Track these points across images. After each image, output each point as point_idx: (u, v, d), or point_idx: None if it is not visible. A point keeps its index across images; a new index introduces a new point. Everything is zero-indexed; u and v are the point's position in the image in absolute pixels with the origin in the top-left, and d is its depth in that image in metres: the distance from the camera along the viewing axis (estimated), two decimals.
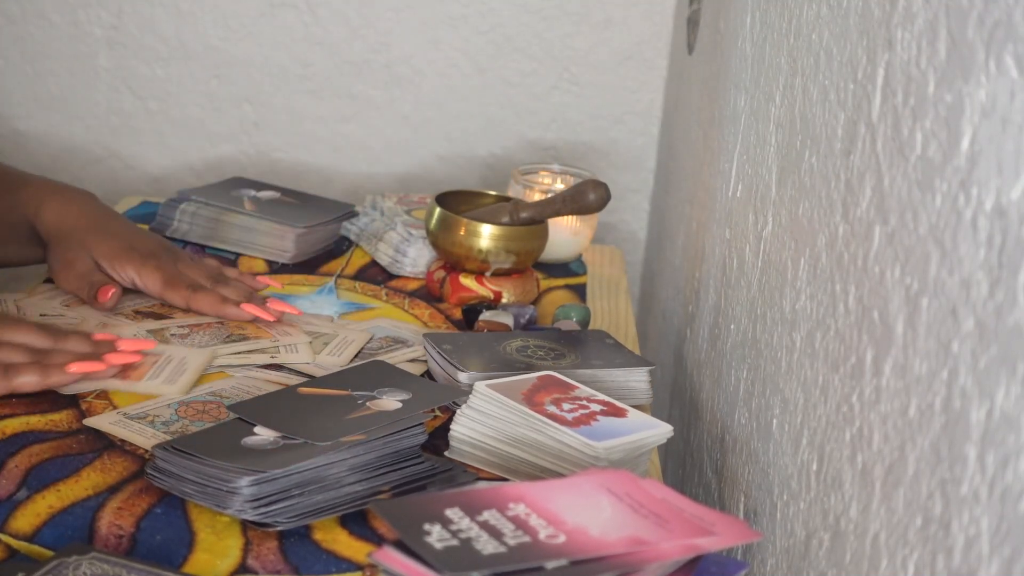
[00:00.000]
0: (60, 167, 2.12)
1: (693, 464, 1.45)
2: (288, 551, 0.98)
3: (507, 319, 1.39)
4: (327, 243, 1.65)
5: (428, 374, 1.29)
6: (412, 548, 0.83)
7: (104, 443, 1.11)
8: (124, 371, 1.23)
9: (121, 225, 1.44)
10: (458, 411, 1.13)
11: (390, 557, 0.83)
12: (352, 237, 1.67)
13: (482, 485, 1.02)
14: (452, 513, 0.87)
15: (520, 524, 0.87)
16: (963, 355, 0.66)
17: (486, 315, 1.40)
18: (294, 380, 1.24)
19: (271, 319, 1.37)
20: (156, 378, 1.22)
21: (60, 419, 1.15)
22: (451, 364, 1.24)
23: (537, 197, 1.65)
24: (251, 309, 1.36)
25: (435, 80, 2.09)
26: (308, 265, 1.59)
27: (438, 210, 1.51)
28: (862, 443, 0.82)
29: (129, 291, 1.40)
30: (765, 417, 1.09)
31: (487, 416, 1.11)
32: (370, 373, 1.16)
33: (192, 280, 1.39)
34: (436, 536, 0.84)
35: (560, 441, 1.07)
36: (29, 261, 1.46)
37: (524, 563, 0.83)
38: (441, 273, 1.53)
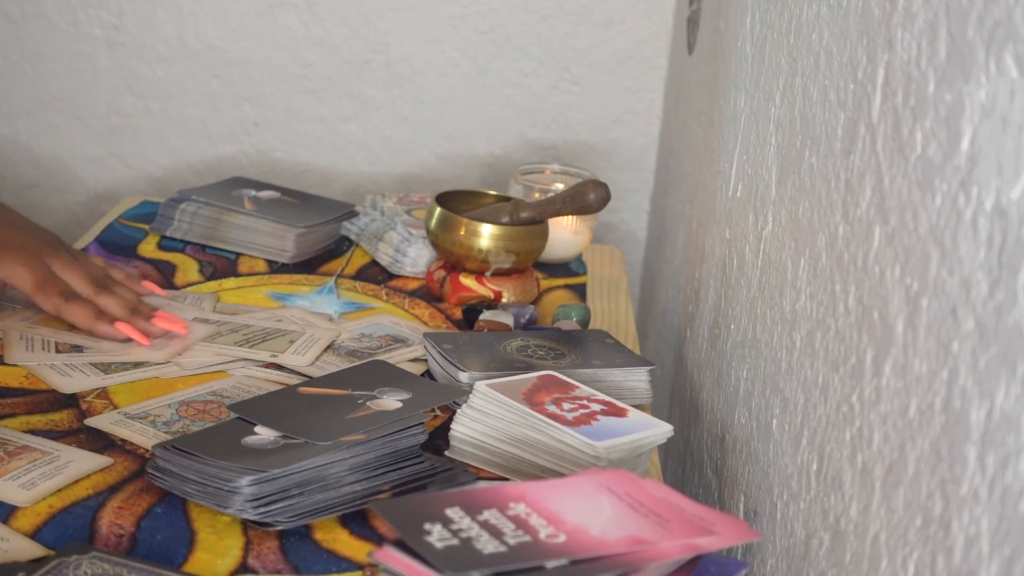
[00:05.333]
0: (60, 167, 2.12)
1: (693, 464, 1.45)
2: (288, 551, 0.98)
3: (507, 319, 1.39)
4: (327, 243, 1.65)
5: (428, 374, 1.29)
6: (412, 547, 0.83)
7: (105, 443, 1.11)
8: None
9: None
10: (458, 411, 1.13)
11: (390, 556, 0.83)
12: (352, 237, 1.67)
13: (482, 485, 1.02)
14: (452, 512, 0.87)
15: (520, 524, 0.87)
16: (963, 355, 0.66)
17: (486, 315, 1.40)
18: (294, 380, 1.24)
19: (145, 343, 1.27)
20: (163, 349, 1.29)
21: (60, 419, 1.15)
22: (451, 364, 1.24)
23: (537, 197, 1.65)
24: (125, 329, 1.27)
25: (435, 80, 2.09)
26: (308, 265, 1.59)
27: (438, 210, 1.51)
28: (862, 443, 0.82)
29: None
30: (765, 417, 1.09)
31: (487, 416, 1.11)
32: (370, 373, 1.16)
33: (66, 286, 1.28)
34: (437, 536, 0.84)
35: (560, 441, 1.07)
36: None
37: (524, 562, 0.83)
38: (441, 273, 1.53)
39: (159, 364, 1.27)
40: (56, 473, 1.04)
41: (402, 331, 1.40)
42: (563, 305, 1.46)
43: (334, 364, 1.29)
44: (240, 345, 1.31)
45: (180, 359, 1.27)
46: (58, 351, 1.27)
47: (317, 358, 1.30)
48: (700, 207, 1.55)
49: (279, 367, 1.28)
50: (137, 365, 1.26)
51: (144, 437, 1.12)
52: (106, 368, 1.25)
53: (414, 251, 1.58)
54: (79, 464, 1.06)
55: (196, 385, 1.23)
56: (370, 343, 1.36)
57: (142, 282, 1.38)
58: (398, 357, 1.32)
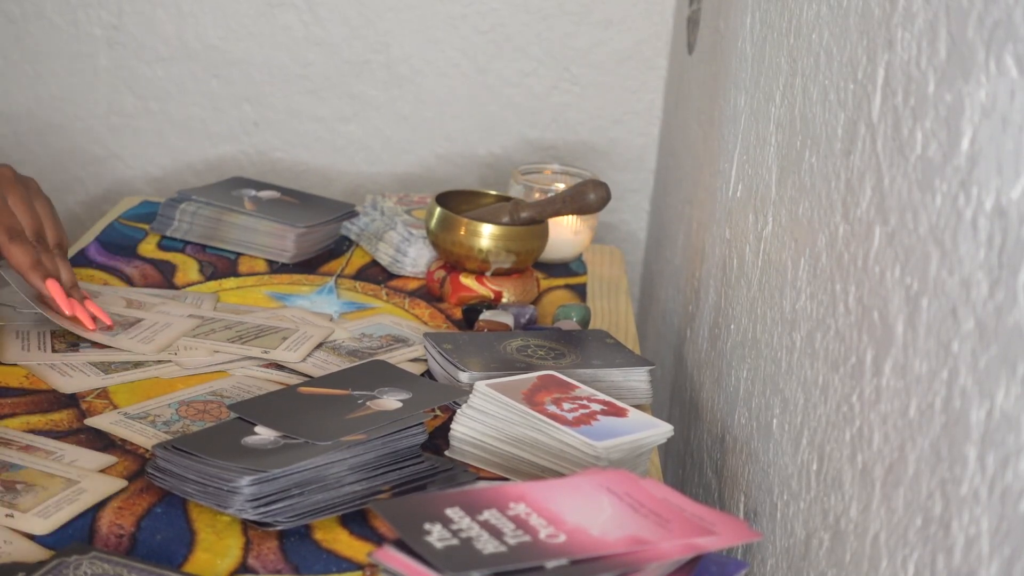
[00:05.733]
0: (60, 167, 2.12)
1: (693, 464, 1.45)
2: (288, 551, 0.98)
3: (507, 319, 1.39)
4: (327, 243, 1.65)
5: (428, 373, 1.29)
6: (412, 547, 0.83)
7: (105, 442, 1.11)
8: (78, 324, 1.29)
9: None
10: (458, 411, 1.13)
11: (390, 556, 0.83)
12: (352, 237, 1.67)
13: (482, 485, 1.02)
14: (452, 512, 0.87)
15: (520, 524, 0.87)
16: (963, 355, 0.66)
17: (486, 315, 1.40)
18: (295, 380, 1.24)
19: (65, 310, 1.27)
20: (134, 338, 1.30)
21: (61, 419, 1.15)
22: (451, 364, 1.24)
23: (537, 197, 1.65)
24: (53, 287, 1.26)
25: (435, 80, 2.09)
26: (308, 265, 1.59)
27: (438, 210, 1.51)
28: (862, 443, 0.82)
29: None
30: (765, 417, 1.09)
31: (487, 416, 1.11)
32: (370, 373, 1.16)
33: (15, 223, 1.27)
34: (436, 535, 0.84)
35: (560, 441, 1.07)
36: None
37: (524, 562, 0.83)
38: (441, 273, 1.53)
39: (158, 364, 1.27)
40: (74, 499, 1.02)
41: (403, 331, 1.40)
42: (563, 305, 1.46)
43: (335, 364, 1.29)
44: (232, 341, 1.31)
45: (180, 359, 1.28)
46: (54, 350, 1.27)
47: (309, 354, 1.31)
48: (700, 207, 1.55)
49: (280, 367, 1.28)
50: (137, 365, 1.26)
51: (144, 437, 1.12)
52: (106, 368, 1.25)
53: (414, 251, 1.58)
54: (96, 489, 1.04)
55: (196, 385, 1.23)
56: (371, 343, 1.36)
57: (85, 297, 1.32)
58: (399, 357, 1.32)
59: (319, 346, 1.33)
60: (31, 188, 1.32)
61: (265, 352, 1.29)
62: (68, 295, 1.28)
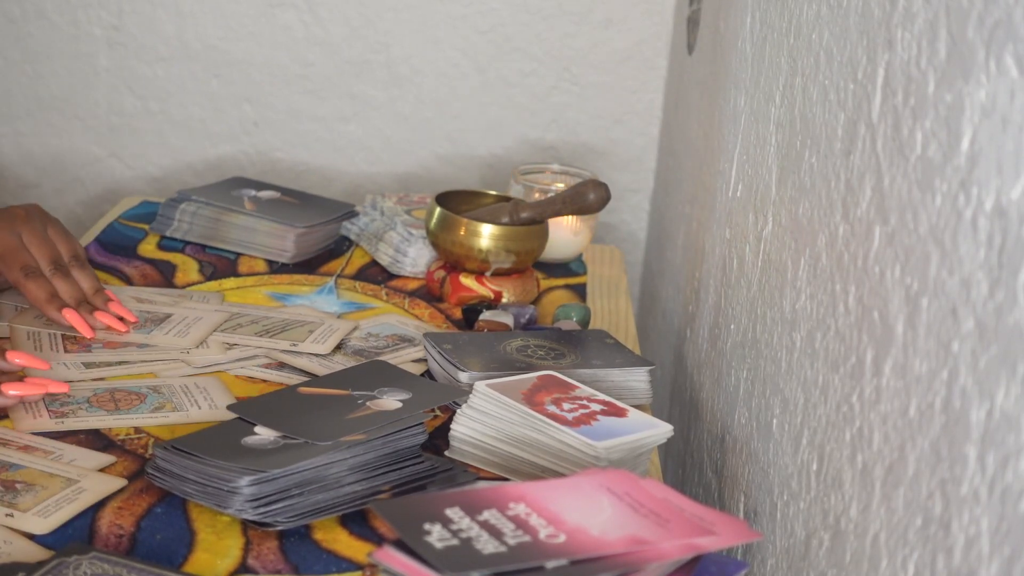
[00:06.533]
0: (60, 167, 2.12)
1: (693, 464, 1.45)
2: (288, 551, 0.98)
3: (507, 319, 1.39)
4: (327, 243, 1.65)
5: (428, 374, 1.29)
6: (412, 548, 0.83)
7: (104, 442, 1.11)
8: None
9: None
10: (458, 411, 1.13)
11: (390, 557, 0.83)
12: (352, 237, 1.67)
13: (482, 485, 1.02)
14: (452, 513, 0.87)
15: (520, 524, 0.87)
16: (963, 355, 0.66)
17: (486, 315, 1.40)
18: (295, 379, 1.24)
19: (87, 335, 1.28)
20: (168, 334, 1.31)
21: None
22: (451, 364, 1.24)
23: (537, 197, 1.65)
24: (71, 317, 1.28)
25: (435, 80, 2.09)
26: (308, 265, 1.59)
27: (438, 210, 1.51)
28: (862, 443, 0.82)
29: None
30: (765, 417, 1.09)
31: (487, 416, 1.11)
32: (370, 373, 1.16)
33: (30, 260, 1.30)
34: (436, 536, 0.84)
35: (560, 441, 1.07)
36: None
37: (524, 563, 0.83)
38: (441, 273, 1.53)
39: (145, 361, 1.27)
40: (74, 498, 1.02)
41: (409, 331, 1.40)
42: (563, 305, 1.46)
43: (340, 363, 1.29)
44: (260, 335, 1.32)
45: (188, 357, 1.27)
46: (66, 351, 1.27)
47: (335, 348, 1.32)
48: (700, 207, 1.55)
49: (281, 365, 1.28)
50: (121, 363, 1.26)
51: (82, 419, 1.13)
52: (89, 365, 1.24)
53: (414, 251, 1.58)
54: (96, 489, 1.04)
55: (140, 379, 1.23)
56: (377, 343, 1.36)
57: (107, 293, 1.34)
58: (404, 357, 1.32)
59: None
60: (39, 217, 1.34)
61: (293, 345, 1.30)
62: (90, 302, 1.30)
